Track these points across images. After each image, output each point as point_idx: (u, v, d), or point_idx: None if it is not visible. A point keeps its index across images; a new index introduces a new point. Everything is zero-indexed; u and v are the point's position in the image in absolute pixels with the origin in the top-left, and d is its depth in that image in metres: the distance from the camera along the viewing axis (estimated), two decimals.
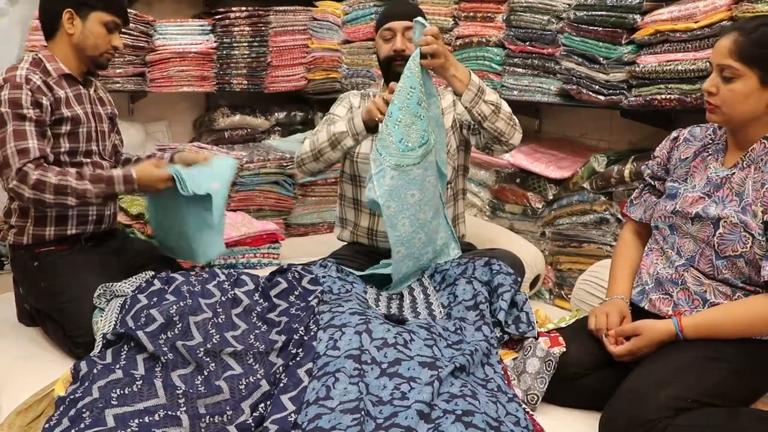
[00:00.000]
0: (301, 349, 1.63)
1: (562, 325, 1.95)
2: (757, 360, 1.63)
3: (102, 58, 2.12)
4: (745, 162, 1.66)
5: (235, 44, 3.60)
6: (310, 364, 1.56)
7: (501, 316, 1.85)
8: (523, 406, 1.61)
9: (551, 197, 2.74)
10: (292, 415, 1.44)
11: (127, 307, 1.78)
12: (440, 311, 1.91)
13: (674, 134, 1.88)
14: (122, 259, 2.20)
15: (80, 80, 2.13)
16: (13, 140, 1.91)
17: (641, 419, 1.51)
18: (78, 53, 2.09)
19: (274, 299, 1.88)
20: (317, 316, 1.77)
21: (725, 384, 1.59)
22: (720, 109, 1.63)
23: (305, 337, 1.66)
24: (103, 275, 1.98)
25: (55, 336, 1.96)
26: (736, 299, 1.65)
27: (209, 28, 3.53)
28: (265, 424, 1.41)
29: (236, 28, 3.59)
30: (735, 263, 1.63)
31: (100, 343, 1.71)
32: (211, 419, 1.44)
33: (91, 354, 1.66)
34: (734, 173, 1.66)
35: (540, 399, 1.69)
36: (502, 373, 1.70)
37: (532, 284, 2.52)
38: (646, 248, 1.87)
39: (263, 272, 2.12)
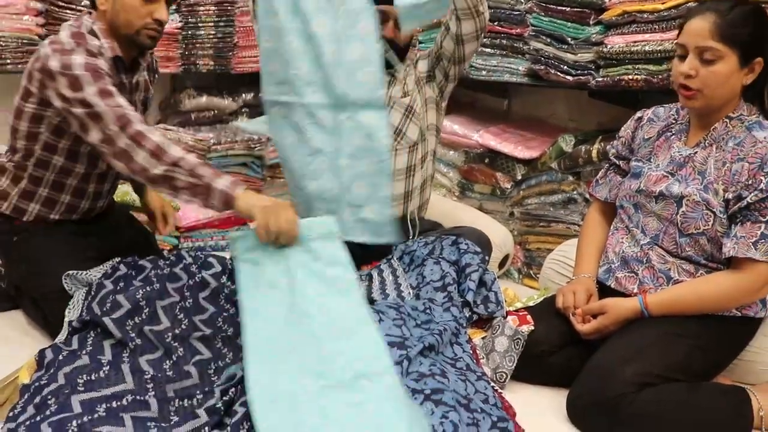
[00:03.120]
0: None
1: (531, 304, 1.97)
2: (719, 335, 1.67)
3: (141, 36, 1.83)
4: (707, 141, 1.68)
5: (200, 24, 3.54)
6: None
7: (469, 297, 1.86)
8: (492, 384, 1.63)
9: (520, 177, 2.76)
10: None
11: (92, 293, 1.76)
12: (409, 292, 1.92)
13: (638, 114, 1.90)
14: (104, 245, 2.05)
15: (126, 65, 1.90)
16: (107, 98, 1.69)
17: (607, 395, 1.55)
18: (114, 32, 1.83)
19: None
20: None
21: (688, 359, 1.63)
22: (701, 92, 1.61)
23: None
24: (86, 259, 1.91)
25: (36, 319, 1.93)
26: (699, 276, 1.68)
27: (174, 7, 3.47)
28: (234, 408, 1.41)
29: (202, 8, 3.52)
30: (698, 241, 1.66)
31: (67, 330, 1.69)
32: (180, 403, 1.44)
33: (57, 341, 1.65)
34: (697, 152, 1.69)
35: (508, 377, 1.72)
36: (471, 352, 1.72)
37: (501, 264, 2.54)
38: (611, 227, 1.90)
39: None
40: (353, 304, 1.58)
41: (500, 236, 2.51)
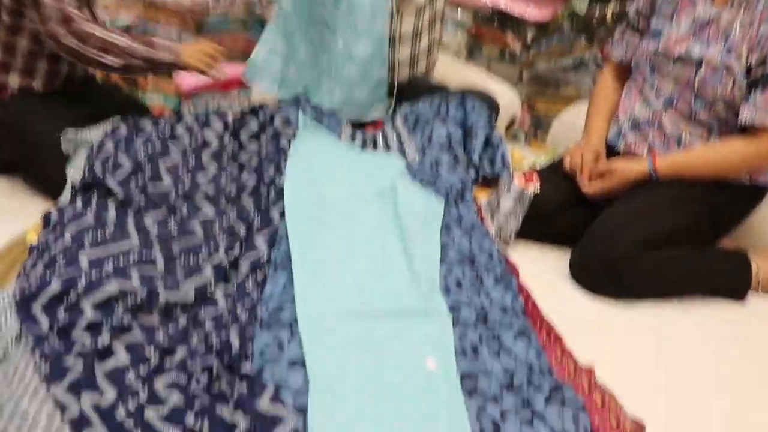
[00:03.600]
0: (272, 189, 1.62)
1: (537, 165, 1.95)
2: (726, 201, 1.66)
3: None
4: (735, 1, 1.59)
5: None
6: (281, 205, 1.56)
7: (475, 156, 1.84)
8: (497, 243, 1.64)
9: (530, 40, 2.66)
10: (265, 253, 1.45)
11: (94, 153, 1.74)
12: (414, 156, 1.89)
13: None
14: (88, 108, 2.04)
15: None
16: None
17: (610, 257, 1.55)
18: None
19: (245, 140, 1.84)
20: (288, 156, 1.75)
21: (693, 224, 1.62)
22: None
23: (276, 178, 1.65)
24: (71, 120, 1.88)
25: (36, 184, 1.92)
26: (711, 142, 1.64)
27: None
28: (239, 265, 1.43)
29: None
30: (713, 106, 1.61)
31: (70, 191, 1.68)
32: (186, 260, 1.45)
33: (61, 202, 1.64)
34: (723, 13, 1.60)
35: (513, 236, 1.72)
36: (476, 211, 1.71)
37: (508, 127, 2.50)
38: (624, 90, 1.84)
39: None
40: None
41: (507, 98, 2.44)
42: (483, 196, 1.81)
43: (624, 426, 1.13)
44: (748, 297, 1.63)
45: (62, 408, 1.04)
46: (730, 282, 1.63)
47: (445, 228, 1.54)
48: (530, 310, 1.44)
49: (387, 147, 1.96)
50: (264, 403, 1.05)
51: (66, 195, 1.67)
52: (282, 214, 1.56)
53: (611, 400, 1.20)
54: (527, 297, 1.48)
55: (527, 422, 1.09)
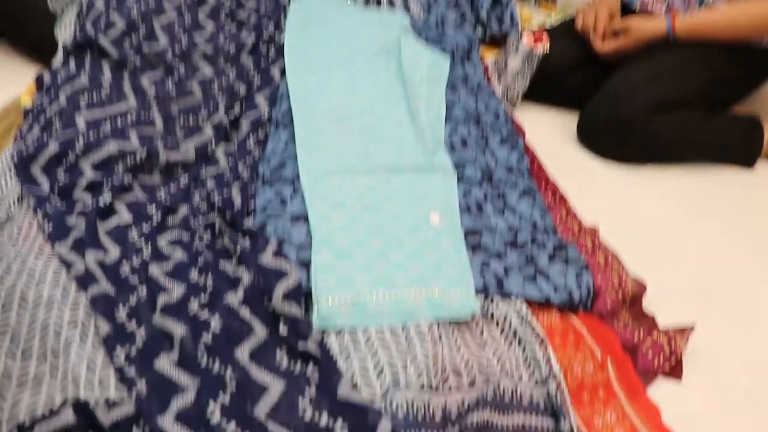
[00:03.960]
0: (272, 47, 1.56)
1: (547, 24, 1.88)
2: (744, 65, 1.61)
3: None
4: None
5: None
6: (281, 62, 1.52)
7: (483, 14, 1.77)
8: (503, 103, 1.60)
9: None
10: (266, 112, 1.43)
11: (84, 12, 1.67)
12: (419, 13, 1.81)
13: None
14: None
15: None
16: None
17: (619, 119, 1.52)
18: None
19: None
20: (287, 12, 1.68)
21: (708, 86, 1.58)
22: None
23: (276, 35, 1.59)
24: None
25: (25, 49, 1.86)
26: (735, 1, 1.56)
27: None
28: (240, 123, 1.40)
29: None
30: None
31: (61, 53, 1.63)
32: (186, 120, 1.42)
33: (54, 64, 1.59)
34: None
35: (520, 97, 1.68)
36: (483, 71, 1.66)
37: None
38: None
39: None
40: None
41: None
42: (490, 56, 1.75)
43: (626, 286, 1.13)
44: (757, 165, 1.61)
45: (68, 265, 1.05)
46: (742, 148, 1.61)
47: (451, 87, 1.49)
48: (536, 171, 1.42)
49: (391, 4, 1.87)
50: (267, 258, 1.05)
51: (58, 57, 1.62)
52: (282, 72, 1.52)
53: (614, 260, 1.20)
54: (533, 158, 1.46)
55: (530, 279, 1.10)
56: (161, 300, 1.01)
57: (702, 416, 0.99)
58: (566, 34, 1.75)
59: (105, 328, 0.94)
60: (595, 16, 1.68)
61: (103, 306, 0.97)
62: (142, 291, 1.03)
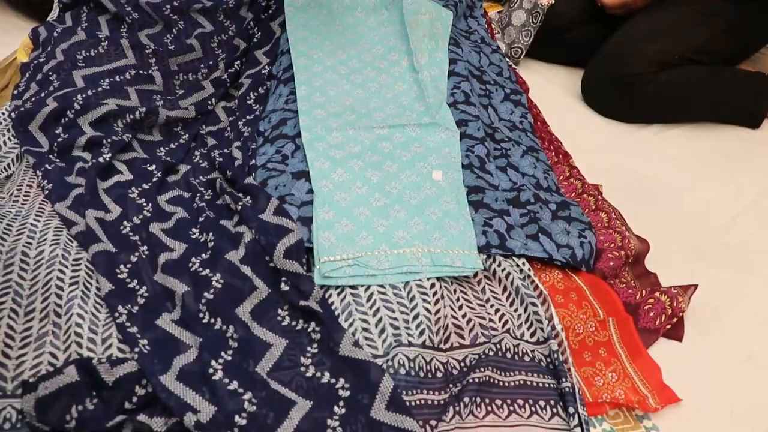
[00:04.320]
0: (273, 0, 1.53)
1: None
2: (753, 20, 1.57)
3: None
4: None
5: None
6: (281, 17, 1.49)
7: None
8: (507, 59, 1.58)
9: None
10: (266, 67, 1.41)
11: None
12: None
13: None
14: None
15: None
16: None
17: (624, 74, 1.50)
18: None
19: None
20: None
21: (716, 41, 1.55)
22: None
23: None
24: None
25: (18, 3, 1.82)
26: None
27: None
28: (240, 80, 1.38)
29: None
30: None
31: (57, 7, 1.60)
32: (185, 76, 1.40)
33: (49, 18, 1.56)
34: None
35: (524, 53, 1.66)
36: (486, 25, 1.63)
37: None
38: None
39: None
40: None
41: None
42: (494, 10, 1.72)
43: (628, 245, 1.13)
44: (763, 125, 1.59)
45: (68, 224, 1.05)
46: (747, 104, 1.58)
47: (453, 42, 1.46)
48: (539, 128, 1.41)
49: None
50: (268, 215, 1.05)
51: (54, 12, 1.59)
52: (282, 26, 1.49)
53: (617, 219, 1.20)
54: (536, 114, 1.45)
55: (533, 237, 1.10)
56: (162, 258, 1.00)
57: (703, 375, 0.99)
58: None
59: (106, 286, 0.94)
60: None
61: (104, 264, 0.97)
62: (144, 249, 1.02)
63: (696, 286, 1.09)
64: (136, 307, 0.93)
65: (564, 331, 0.98)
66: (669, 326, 1.05)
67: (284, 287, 0.96)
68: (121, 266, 0.98)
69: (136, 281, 0.97)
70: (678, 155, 1.47)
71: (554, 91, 1.62)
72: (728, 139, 1.54)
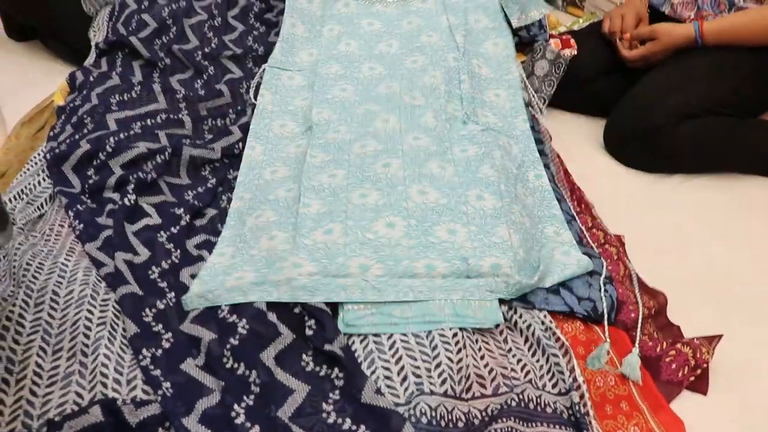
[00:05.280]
0: None
1: (575, 28, 1.86)
2: None
3: None
4: None
5: None
6: None
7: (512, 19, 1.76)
8: (529, 108, 1.59)
9: None
10: None
11: (116, 13, 1.69)
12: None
13: None
14: None
15: None
16: None
17: (646, 125, 1.50)
18: None
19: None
20: None
21: (737, 93, 1.54)
22: None
23: None
24: None
25: (59, 49, 1.88)
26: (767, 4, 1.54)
27: None
28: None
29: None
30: None
31: (94, 52, 1.65)
32: (214, 122, 1.43)
33: (86, 63, 1.61)
34: None
35: (547, 102, 1.67)
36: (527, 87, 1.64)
37: None
38: None
39: None
40: None
41: None
42: (517, 60, 1.74)
43: (644, 301, 1.13)
44: None
45: (98, 265, 1.07)
46: None
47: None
48: (562, 178, 1.41)
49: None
50: None
51: (91, 57, 1.64)
52: None
53: (628, 278, 1.20)
54: (559, 164, 1.45)
55: (554, 290, 1.09)
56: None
57: (729, 430, 0.97)
58: (594, 38, 1.72)
59: (132, 328, 0.96)
60: (622, 21, 1.66)
61: (130, 307, 0.99)
62: (171, 296, 1.04)
63: (720, 336, 1.08)
64: (160, 351, 0.94)
65: (585, 384, 0.97)
66: (693, 378, 1.04)
67: (309, 332, 0.97)
68: (147, 310, 1.00)
69: (161, 326, 0.98)
70: (702, 205, 1.46)
71: (577, 140, 1.62)
72: (752, 189, 1.52)
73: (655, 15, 1.69)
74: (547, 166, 1.39)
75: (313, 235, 1.11)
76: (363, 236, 1.12)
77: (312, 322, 0.98)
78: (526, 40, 1.77)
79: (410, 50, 1.63)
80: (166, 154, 1.28)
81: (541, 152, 1.42)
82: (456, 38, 1.64)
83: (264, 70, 1.57)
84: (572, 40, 1.67)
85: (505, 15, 1.74)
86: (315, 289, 1.02)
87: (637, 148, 1.53)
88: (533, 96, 1.56)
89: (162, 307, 1.01)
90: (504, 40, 1.66)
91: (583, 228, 1.28)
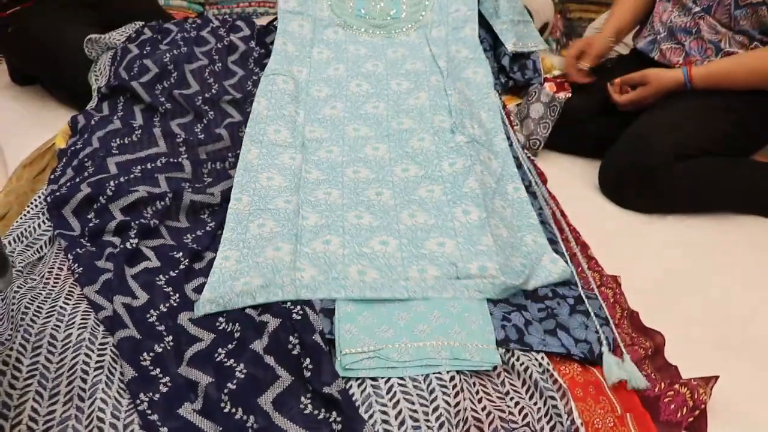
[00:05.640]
0: None
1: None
2: (764, 112, 1.59)
3: None
4: None
5: None
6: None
7: (506, 62, 1.79)
8: (525, 151, 1.61)
9: None
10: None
11: (118, 58, 1.72)
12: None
13: None
14: (103, 15, 1.99)
15: None
16: None
17: (641, 165, 1.51)
18: None
19: (271, 45, 1.80)
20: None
21: (729, 134, 1.57)
22: None
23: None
24: (86, 27, 1.85)
25: (60, 93, 1.91)
26: (752, 49, 1.56)
27: None
28: None
29: None
30: (756, 11, 1.52)
31: (96, 96, 1.67)
32: (213, 165, 1.44)
33: (88, 107, 1.63)
34: None
35: (542, 145, 1.69)
36: (506, 118, 1.67)
37: (540, 33, 2.41)
38: None
39: (259, 21, 2.01)
40: None
41: (539, 3, 2.35)
42: (512, 102, 1.77)
43: (639, 340, 1.12)
44: None
45: (96, 308, 1.06)
46: (765, 195, 1.58)
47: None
48: (557, 219, 1.42)
49: None
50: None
51: (93, 102, 1.66)
52: None
53: (630, 315, 1.20)
54: (555, 205, 1.46)
55: (551, 332, 1.09)
56: (190, 352, 1.01)
57: None
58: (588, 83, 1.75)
59: (129, 372, 0.95)
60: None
61: (128, 350, 0.99)
62: (169, 340, 1.04)
63: (717, 377, 1.07)
64: (158, 395, 0.94)
65: (584, 426, 0.96)
66: (691, 419, 1.03)
67: (306, 373, 0.97)
68: (145, 354, 0.99)
69: (159, 370, 0.98)
70: (697, 245, 1.46)
71: (572, 181, 1.63)
72: (748, 228, 1.53)
73: (645, 61, 1.72)
74: (541, 209, 1.40)
75: (313, 245, 1.22)
76: (359, 250, 1.22)
77: (309, 361, 0.98)
78: (521, 84, 1.80)
79: (395, 74, 1.73)
80: (167, 199, 1.29)
81: (534, 195, 1.43)
82: (439, 64, 1.74)
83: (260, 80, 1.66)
84: (566, 84, 1.70)
85: (486, 48, 1.82)
86: (316, 289, 1.12)
87: (633, 187, 1.54)
88: (521, 154, 1.58)
89: (160, 350, 1.01)
90: (483, 69, 1.72)
91: (580, 268, 1.28)
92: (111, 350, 1.00)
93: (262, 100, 1.56)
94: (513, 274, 1.18)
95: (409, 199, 1.35)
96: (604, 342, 1.09)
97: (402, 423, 0.92)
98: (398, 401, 0.95)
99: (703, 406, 1.03)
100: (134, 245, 1.19)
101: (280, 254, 1.17)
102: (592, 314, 1.14)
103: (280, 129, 1.49)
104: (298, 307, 1.06)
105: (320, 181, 1.38)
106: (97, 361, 0.97)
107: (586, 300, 1.17)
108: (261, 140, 1.45)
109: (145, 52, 1.72)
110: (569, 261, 1.27)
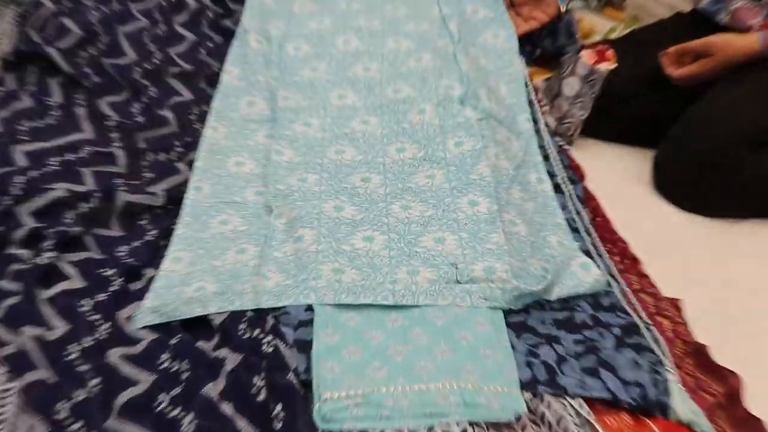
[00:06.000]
0: None
1: (613, 36, 1.89)
2: None
3: None
4: None
5: None
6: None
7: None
8: (557, 138, 1.60)
9: None
10: None
11: (29, 16, 1.70)
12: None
13: None
14: None
15: None
16: None
17: (709, 153, 1.52)
18: None
19: (231, 2, 1.81)
20: None
21: None
22: None
23: None
24: None
25: None
26: None
27: None
28: None
29: None
30: None
31: None
32: (155, 156, 1.43)
33: None
34: None
35: (579, 130, 1.68)
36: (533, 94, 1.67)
37: None
38: None
39: None
40: None
41: None
42: (541, 76, 1.76)
43: (709, 387, 1.12)
44: None
45: None
46: None
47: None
48: (599, 225, 1.41)
49: None
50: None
51: None
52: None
53: (696, 350, 1.19)
54: (595, 208, 1.46)
55: (591, 371, 1.09)
56: (122, 398, 1.00)
57: None
58: (637, 50, 1.76)
59: (40, 429, 0.93)
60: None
61: (38, 399, 0.97)
62: (94, 383, 1.02)
63: None
64: None
65: None
66: None
67: (277, 424, 0.95)
68: (62, 403, 0.98)
69: (79, 424, 0.96)
70: None
71: (618, 177, 1.64)
72: None
73: (707, 26, 1.72)
74: (577, 213, 1.40)
75: (284, 248, 1.24)
76: (337, 246, 1.25)
77: (279, 408, 0.97)
78: (551, 53, 1.80)
79: (394, 32, 1.75)
80: (94, 200, 1.28)
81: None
82: (449, 26, 1.76)
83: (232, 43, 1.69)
84: (609, 52, 1.69)
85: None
86: (281, 294, 1.15)
87: (697, 185, 1.55)
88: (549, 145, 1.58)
89: (82, 398, 0.99)
90: (506, 32, 1.74)
91: (629, 289, 1.28)
92: (16, 399, 0.98)
93: (233, 69, 1.59)
94: (530, 278, 1.18)
95: (404, 188, 1.38)
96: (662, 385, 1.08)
97: None
98: None
99: None
100: (50, 260, 1.17)
101: (244, 257, 1.20)
102: (649, 347, 1.13)
103: (254, 101, 1.52)
104: (270, 336, 1.05)
105: (294, 164, 1.41)
106: None
107: (642, 329, 1.16)
108: (231, 117, 1.48)
109: (64, 8, 1.70)
110: (617, 277, 1.27)
